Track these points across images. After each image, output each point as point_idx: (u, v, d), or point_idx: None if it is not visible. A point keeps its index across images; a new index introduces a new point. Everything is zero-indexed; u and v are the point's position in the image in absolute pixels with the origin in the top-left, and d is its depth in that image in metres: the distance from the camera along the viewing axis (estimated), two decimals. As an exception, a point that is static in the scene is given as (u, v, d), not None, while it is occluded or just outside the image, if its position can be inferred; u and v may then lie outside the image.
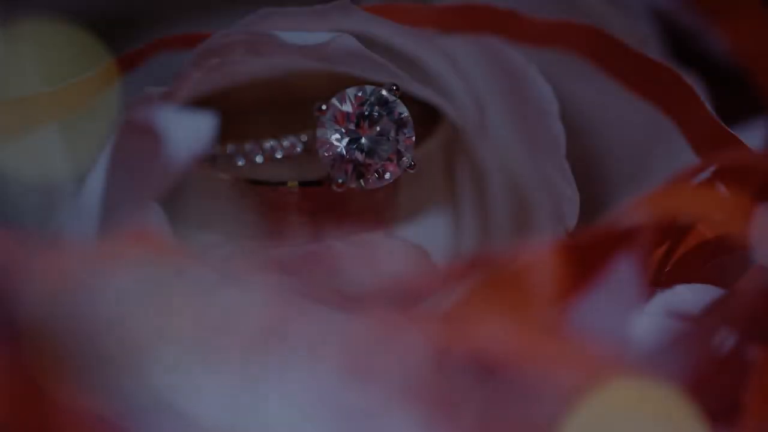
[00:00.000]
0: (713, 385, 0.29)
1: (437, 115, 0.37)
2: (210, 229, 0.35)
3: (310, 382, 0.26)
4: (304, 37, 0.33)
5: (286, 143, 0.35)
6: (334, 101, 0.34)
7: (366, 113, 0.34)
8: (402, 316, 0.28)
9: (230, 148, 0.35)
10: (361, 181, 0.34)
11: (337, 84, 0.34)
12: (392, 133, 0.34)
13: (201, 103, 0.36)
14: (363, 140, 0.34)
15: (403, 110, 0.34)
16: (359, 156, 0.34)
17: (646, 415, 0.26)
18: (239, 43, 0.33)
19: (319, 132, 0.34)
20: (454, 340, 0.27)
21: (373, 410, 0.26)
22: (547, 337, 0.28)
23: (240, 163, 0.35)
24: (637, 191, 0.36)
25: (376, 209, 0.35)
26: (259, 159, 0.35)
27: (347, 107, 0.34)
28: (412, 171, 0.34)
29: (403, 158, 0.34)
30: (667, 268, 0.32)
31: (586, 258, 0.28)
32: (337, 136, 0.34)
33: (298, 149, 0.35)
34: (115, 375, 0.26)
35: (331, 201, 0.35)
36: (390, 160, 0.34)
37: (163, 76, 0.35)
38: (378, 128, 0.34)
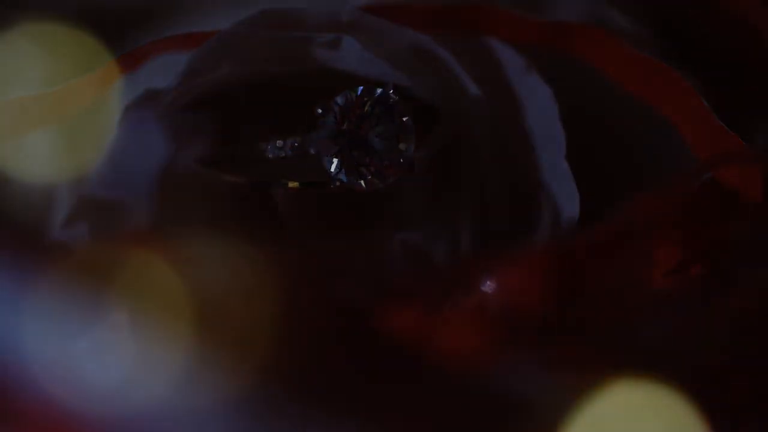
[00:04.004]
0: None
1: (437, 115, 0.37)
2: (211, 231, 0.35)
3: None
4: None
5: (286, 144, 0.35)
6: (335, 101, 0.34)
7: (366, 113, 0.34)
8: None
9: (230, 149, 0.35)
10: (362, 181, 0.34)
11: (338, 84, 0.34)
12: (392, 133, 0.34)
13: (201, 103, 0.36)
14: (363, 140, 0.34)
15: (403, 110, 0.34)
16: (359, 156, 0.34)
17: (646, 418, 0.27)
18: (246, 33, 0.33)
19: (320, 132, 0.34)
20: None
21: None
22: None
23: (240, 164, 0.35)
24: (637, 191, 0.36)
25: (377, 210, 0.35)
26: (259, 159, 0.35)
27: (348, 107, 0.34)
28: (412, 171, 0.34)
29: (403, 158, 0.34)
30: (669, 268, 0.32)
31: (585, 258, 0.29)
32: (338, 136, 0.34)
33: (299, 150, 0.35)
34: None
35: (332, 202, 0.35)
36: (390, 160, 0.34)
37: (163, 77, 0.35)
38: (378, 128, 0.34)
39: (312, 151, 0.35)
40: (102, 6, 0.37)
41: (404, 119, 0.34)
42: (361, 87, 0.34)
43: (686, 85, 0.34)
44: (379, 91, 0.34)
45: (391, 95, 0.34)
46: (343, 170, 0.34)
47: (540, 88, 0.34)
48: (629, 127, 0.36)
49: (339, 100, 0.34)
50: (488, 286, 0.28)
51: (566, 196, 0.34)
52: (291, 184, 0.34)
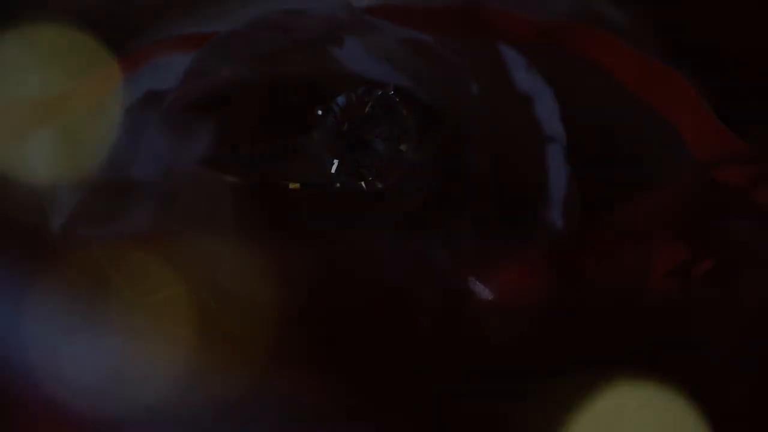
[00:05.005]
0: None
1: (438, 115, 0.37)
2: (211, 231, 0.35)
3: None
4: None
5: (286, 144, 0.35)
6: (335, 102, 0.34)
7: (367, 114, 0.34)
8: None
9: (231, 149, 0.35)
10: (362, 182, 0.34)
11: (338, 84, 0.34)
12: (393, 134, 0.34)
13: (202, 104, 0.36)
14: (364, 141, 0.34)
15: (403, 111, 0.34)
16: (360, 157, 0.34)
17: (646, 418, 0.27)
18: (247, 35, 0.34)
19: (320, 133, 0.34)
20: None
21: None
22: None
23: (241, 164, 0.35)
24: (637, 192, 0.36)
25: (377, 211, 0.35)
26: (260, 160, 0.35)
27: (348, 108, 0.34)
28: (412, 172, 0.34)
29: (404, 159, 0.34)
30: (669, 268, 0.32)
31: (585, 258, 0.29)
32: (338, 137, 0.34)
33: (300, 150, 0.35)
34: None
35: (333, 203, 0.35)
36: (390, 161, 0.34)
37: (164, 78, 0.35)
38: (379, 129, 0.34)
39: (312, 152, 0.35)
40: (103, 7, 0.37)
41: (405, 120, 0.34)
42: (362, 88, 0.34)
43: (686, 85, 0.34)
44: (379, 91, 0.34)
45: (392, 96, 0.34)
46: (343, 171, 0.34)
47: (540, 88, 0.34)
48: (629, 126, 0.36)
49: (339, 100, 0.34)
50: (484, 289, 0.28)
51: (566, 197, 0.34)
52: (291, 185, 0.34)
